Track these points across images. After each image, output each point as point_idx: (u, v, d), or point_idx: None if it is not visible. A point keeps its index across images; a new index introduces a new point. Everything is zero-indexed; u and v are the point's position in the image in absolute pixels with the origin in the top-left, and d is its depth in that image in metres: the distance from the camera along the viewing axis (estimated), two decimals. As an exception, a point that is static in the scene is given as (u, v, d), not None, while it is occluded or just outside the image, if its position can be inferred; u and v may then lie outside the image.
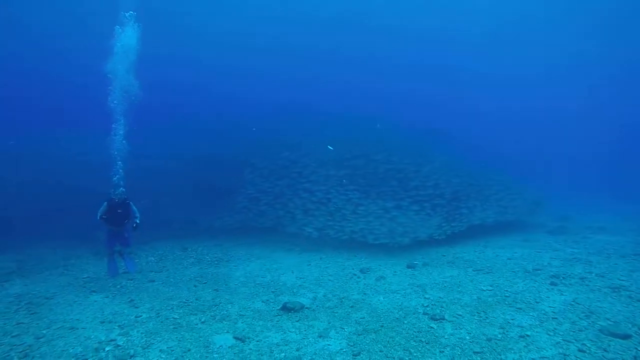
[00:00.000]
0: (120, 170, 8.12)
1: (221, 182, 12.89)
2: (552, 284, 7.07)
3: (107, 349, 5.04)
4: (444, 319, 5.67)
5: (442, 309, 6.07)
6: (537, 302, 6.18)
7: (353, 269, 8.65)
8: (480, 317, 5.70)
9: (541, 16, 34.51)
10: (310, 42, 37.44)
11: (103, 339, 5.34)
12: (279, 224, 11.05)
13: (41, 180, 13.89)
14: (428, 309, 6.11)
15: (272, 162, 12.74)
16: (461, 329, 5.34)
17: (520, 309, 5.96)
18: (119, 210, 7.55)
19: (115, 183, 7.80)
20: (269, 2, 33.43)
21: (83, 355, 4.88)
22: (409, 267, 8.61)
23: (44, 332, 5.63)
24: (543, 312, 5.79)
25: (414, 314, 5.95)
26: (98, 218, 7.44)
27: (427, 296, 6.69)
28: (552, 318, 5.55)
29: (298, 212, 10.96)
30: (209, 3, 32.92)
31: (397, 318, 5.80)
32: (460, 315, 5.80)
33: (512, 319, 5.57)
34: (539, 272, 7.86)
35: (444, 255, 9.44)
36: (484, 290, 6.85)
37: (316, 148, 13.05)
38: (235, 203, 11.82)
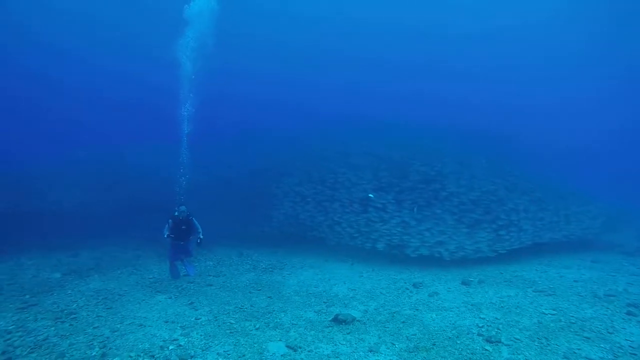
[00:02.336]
0: (183, 185, 8.82)
1: (275, 191, 13.39)
2: (629, 313, 6.43)
3: (170, 347, 5.50)
4: (500, 341, 5.47)
5: (499, 331, 5.85)
6: (610, 333, 5.70)
7: (405, 282, 8.57)
8: (541, 343, 5.42)
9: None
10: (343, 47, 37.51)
11: (167, 337, 5.83)
12: (331, 235, 11.19)
13: (112, 184, 15.50)
14: (483, 329, 5.92)
15: (330, 172, 13.04)
16: (519, 354, 5.12)
17: (588, 338, 5.55)
18: (182, 227, 8.24)
19: (178, 202, 8.49)
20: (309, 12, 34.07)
21: (150, 351, 5.38)
22: (463, 283, 8.36)
23: (118, 326, 6.27)
24: (618, 345, 5.32)
25: (467, 334, 5.80)
26: (165, 237, 8.15)
27: (482, 316, 6.48)
28: (630, 354, 5.07)
29: (346, 224, 11.09)
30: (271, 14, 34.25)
31: (450, 337, 5.69)
32: (518, 339, 5.56)
33: (578, 349, 5.21)
34: (612, 298, 7.22)
35: (502, 273, 9.02)
36: (546, 314, 6.48)
37: (368, 159, 13.15)
38: (289, 213, 12.18)
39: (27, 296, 7.87)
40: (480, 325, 6.11)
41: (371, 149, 14.30)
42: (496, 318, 6.35)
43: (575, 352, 5.12)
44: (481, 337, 5.65)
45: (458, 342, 5.54)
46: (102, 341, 5.69)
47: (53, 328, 6.20)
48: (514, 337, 5.60)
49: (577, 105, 38.51)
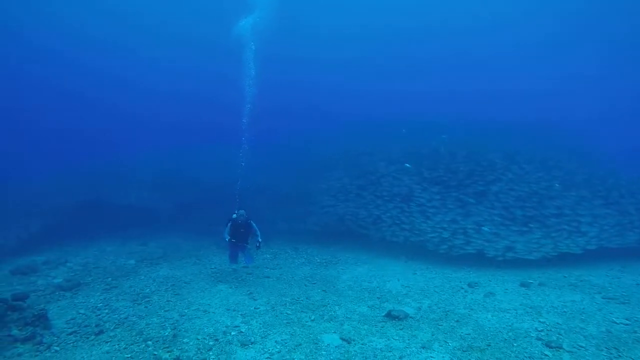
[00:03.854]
0: (239, 188, 9.22)
1: (322, 188, 13.71)
2: None
3: (232, 333, 5.95)
4: (561, 347, 5.26)
5: (560, 336, 5.61)
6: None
7: (460, 281, 8.43)
8: (610, 354, 5.07)
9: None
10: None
11: (229, 324, 6.30)
12: (375, 230, 11.24)
13: (178, 179, 16.85)
14: (542, 334, 5.71)
15: (373, 169, 13.13)
16: (583, 362, 4.90)
17: (668, 354, 5.09)
18: (241, 230, 8.55)
19: (237, 206, 8.79)
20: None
21: (215, 335, 5.86)
22: (522, 285, 8.04)
23: (185, 311, 6.87)
24: None
25: (525, 337, 5.63)
26: (227, 240, 8.54)
27: (542, 320, 6.23)
28: None
29: (389, 219, 11.13)
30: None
31: (506, 339, 5.58)
32: (582, 346, 5.29)
33: (654, 364, 4.84)
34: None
35: (565, 277, 8.52)
36: (617, 323, 6.04)
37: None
38: (337, 211, 12.39)
39: (109, 279, 8.87)
40: (540, 329, 5.89)
41: (415, 146, 14.11)
42: (557, 323, 6.08)
43: (649, 366, 4.79)
44: (540, 342, 5.46)
45: (515, 344, 5.41)
46: (173, 323, 6.29)
47: (131, 308, 6.96)
48: (578, 344, 5.35)
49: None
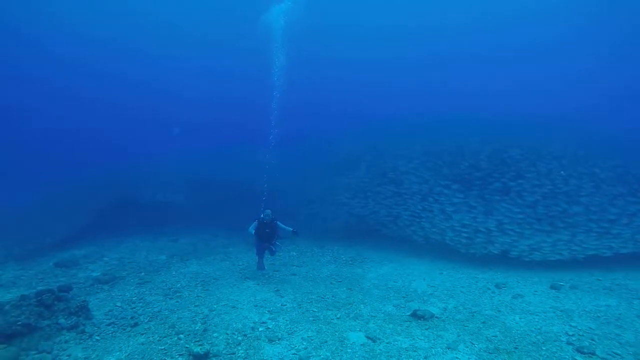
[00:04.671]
0: (266, 186, 9.26)
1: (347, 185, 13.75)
2: None
3: (260, 329, 6.12)
4: (594, 354, 5.11)
5: (593, 342, 5.45)
6: None
7: (487, 282, 8.30)
8: (648, 362, 4.90)
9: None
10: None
11: (257, 320, 6.48)
12: (411, 231, 11.10)
13: (208, 179, 17.34)
14: (574, 338, 5.57)
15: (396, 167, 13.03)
16: (617, 369, 4.75)
17: None
18: (267, 230, 8.57)
19: (264, 206, 8.88)
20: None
21: (243, 330, 6.06)
22: (552, 287, 7.82)
23: (215, 306, 7.11)
24: None
25: (555, 341, 5.52)
26: (253, 233, 8.58)
27: (573, 324, 6.07)
28: None
29: (407, 217, 11.07)
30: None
31: (534, 342, 5.48)
32: (618, 354, 5.11)
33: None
34: None
35: (599, 280, 8.21)
36: (657, 331, 5.79)
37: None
38: (361, 209, 12.41)
39: (143, 273, 9.28)
40: (571, 333, 5.75)
41: (437, 144, 13.89)
42: (590, 328, 5.91)
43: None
44: (571, 347, 5.33)
45: (543, 348, 5.31)
46: (203, 318, 6.54)
47: (164, 302, 7.28)
48: (613, 352, 5.17)
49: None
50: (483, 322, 6.22)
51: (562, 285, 7.89)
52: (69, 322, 5.92)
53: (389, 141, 15.86)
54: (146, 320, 6.42)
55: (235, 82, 39.40)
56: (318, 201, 14.13)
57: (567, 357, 5.06)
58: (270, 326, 6.23)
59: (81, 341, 5.64)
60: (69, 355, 5.25)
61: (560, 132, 15.02)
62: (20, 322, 5.37)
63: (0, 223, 12.53)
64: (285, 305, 7.17)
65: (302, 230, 9.20)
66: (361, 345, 5.52)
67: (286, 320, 6.44)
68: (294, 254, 11.32)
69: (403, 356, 5.16)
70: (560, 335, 5.68)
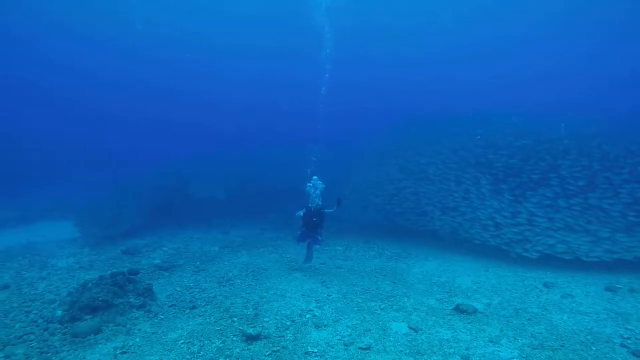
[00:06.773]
0: (312, 182, 9.39)
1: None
2: None
3: (307, 316, 6.48)
4: (650, 357, 4.93)
5: (650, 345, 5.24)
6: None
7: (535, 281, 8.12)
8: None
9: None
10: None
11: (304, 308, 6.85)
12: (458, 229, 10.95)
13: (254, 178, 18.31)
14: (629, 342, 5.38)
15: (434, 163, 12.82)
16: (676, 375, 4.57)
17: None
18: (314, 219, 8.72)
19: (312, 197, 8.89)
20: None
21: (291, 317, 6.44)
22: (608, 289, 7.50)
23: (265, 294, 7.57)
24: None
25: (607, 342, 5.37)
26: (301, 215, 8.78)
27: (629, 327, 5.85)
28: None
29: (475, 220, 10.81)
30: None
31: (583, 341, 5.38)
32: (677, 358, 4.90)
33: None
34: None
35: (663, 283, 7.75)
36: None
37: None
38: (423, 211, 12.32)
39: (198, 262, 10.01)
40: (626, 336, 5.55)
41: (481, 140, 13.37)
42: (647, 331, 5.67)
43: None
44: (625, 349, 5.16)
45: (593, 348, 5.19)
46: (254, 304, 7.02)
47: (218, 289, 7.86)
48: (671, 356, 4.97)
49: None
50: (528, 319, 6.16)
51: (620, 287, 7.54)
52: (138, 301, 6.65)
53: (422, 137, 15.42)
54: (203, 304, 7.02)
55: (287, 88, 40.78)
56: (352, 199, 14.27)
57: (619, 359, 4.93)
58: (316, 314, 6.57)
59: (148, 319, 6.32)
60: (139, 330, 5.93)
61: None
62: (100, 298, 6.15)
63: (81, 215, 13.99)
64: (331, 295, 7.49)
65: (350, 223, 9.35)
66: (403, 334, 5.71)
67: (332, 309, 6.75)
68: (340, 248, 11.63)
69: (444, 346, 5.29)
70: (613, 337, 5.52)
